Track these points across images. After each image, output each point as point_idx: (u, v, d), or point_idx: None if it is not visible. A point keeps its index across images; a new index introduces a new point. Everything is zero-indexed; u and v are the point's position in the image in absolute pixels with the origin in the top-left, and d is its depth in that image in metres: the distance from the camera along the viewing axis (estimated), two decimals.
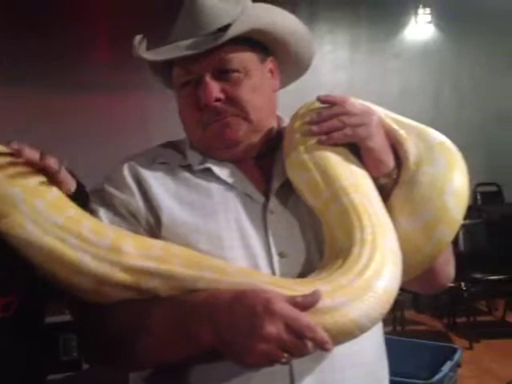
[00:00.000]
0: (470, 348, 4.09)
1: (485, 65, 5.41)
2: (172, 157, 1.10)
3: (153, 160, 1.09)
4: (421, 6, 5.24)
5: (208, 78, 1.02)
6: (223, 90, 1.02)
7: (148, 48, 1.06)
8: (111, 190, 1.04)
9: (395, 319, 4.43)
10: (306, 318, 0.80)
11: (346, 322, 0.84)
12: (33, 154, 0.91)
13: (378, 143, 1.02)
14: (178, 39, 1.03)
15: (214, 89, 1.01)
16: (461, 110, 5.44)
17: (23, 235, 0.89)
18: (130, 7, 4.63)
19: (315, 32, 5.08)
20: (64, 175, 0.94)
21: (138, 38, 1.06)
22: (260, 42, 1.06)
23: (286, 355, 0.80)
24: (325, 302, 0.83)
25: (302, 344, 0.80)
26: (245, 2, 1.06)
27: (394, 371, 2.48)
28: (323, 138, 1.02)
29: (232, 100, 1.03)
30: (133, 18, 4.41)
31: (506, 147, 5.48)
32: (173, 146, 1.14)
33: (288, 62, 1.11)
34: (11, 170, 0.91)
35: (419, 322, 4.74)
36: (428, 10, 5.24)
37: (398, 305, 4.34)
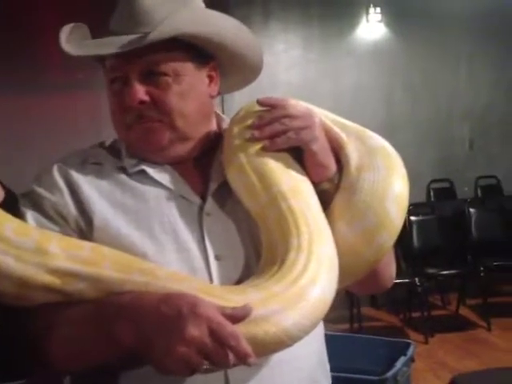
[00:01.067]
0: (426, 342, 4.14)
1: (435, 62, 5.49)
2: (106, 157, 1.06)
3: (85, 160, 1.05)
4: (371, 5, 5.29)
5: (134, 79, 0.98)
6: (149, 93, 0.98)
7: (84, 39, 1.02)
8: (40, 190, 1.00)
9: (352, 316, 4.46)
10: (233, 326, 0.77)
11: (276, 332, 0.82)
12: None
13: (321, 147, 1.00)
14: (110, 34, 0.99)
15: (139, 91, 0.97)
16: (413, 108, 5.51)
17: None
18: (81, 3, 4.53)
19: (269, 31, 5.07)
20: None
21: (66, 27, 1.01)
22: (200, 47, 1.01)
23: (206, 363, 0.77)
24: (256, 311, 0.80)
25: (223, 353, 0.76)
26: (192, 3, 1.03)
27: (350, 367, 2.50)
28: (266, 143, 0.99)
29: (157, 104, 0.99)
30: (85, 15, 4.32)
31: (457, 144, 5.58)
32: (108, 145, 1.10)
33: (233, 66, 1.07)
34: None
35: (376, 318, 4.78)
36: (378, 10, 5.30)
37: (355, 302, 4.37)
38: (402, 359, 2.51)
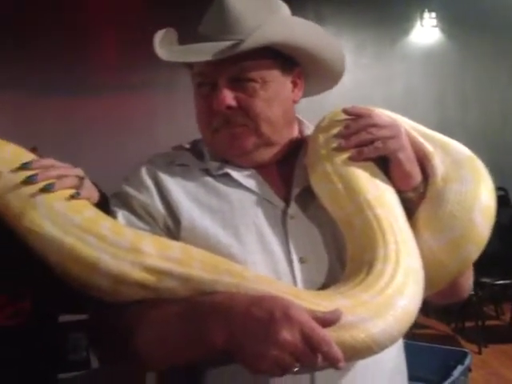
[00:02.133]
0: (479, 352, 4.06)
1: (489, 68, 5.39)
2: (191, 159, 1.09)
3: (171, 162, 1.08)
4: (426, 10, 5.23)
5: (223, 85, 1.01)
6: (237, 99, 1.01)
7: (173, 43, 1.05)
8: (130, 190, 1.04)
9: None
10: (324, 331, 0.79)
11: (364, 339, 0.83)
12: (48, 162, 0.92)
13: (408, 156, 1.01)
14: (200, 40, 1.02)
15: (227, 96, 1.00)
16: (465, 114, 5.42)
17: (42, 235, 0.88)
18: (137, 6, 4.61)
19: None
20: (87, 185, 0.94)
21: (159, 33, 1.05)
22: (286, 54, 1.03)
23: (296, 365, 0.79)
24: (345, 317, 0.82)
25: (314, 357, 0.78)
26: (279, 11, 1.05)
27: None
28: (353, 152, 1.00)
29: (244, 110, 1.01)
30: (139, 17, 4.40)
31: (510, 152, 5.46)
32: (192, 147, 1.13)
33: (317, 71, 1.09)
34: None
35: (427, 326, 4.71)
36: (433, 15, 5.23)
37: None
38: (460, 368, 2.46)
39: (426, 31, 5.32)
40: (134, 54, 3.98)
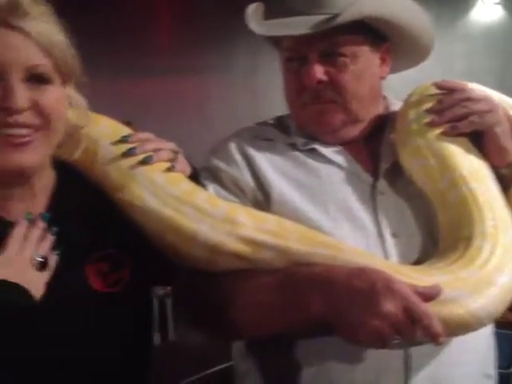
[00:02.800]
0: None
1: None
2: (276, 134, 1.10)
3: (256, 136, 1.09)
4: None
5: (313, 59, 1.01)
6: (327, 73, 1.01)
7: (266, 17, 1.05)
8: (219, 164, 1.05)
9: None
10: (426, 305, 0.79)
11: (463, 314, 0.83)
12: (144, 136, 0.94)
13: (504, 130, 0.99)
14: (290, 14, 1.02)
15: (318, 71, 1.00)
16: None
17: (143, 206, 0.91)
18: None
19: None
20: (181, 159, 0.96)
21: (251, 7, 1.06)
22: (376, 28, 1.03)
23: (396, 338, 0.80)
24: (445, 292, 0.82)
25: (414, 330, 0.78)
26: None
27: None
28: (447, 127, 0.99)
29: (334, 84, 1.01)
30: (192, 2, 4.40)
31: None
32: (275, 123, 1.13)
33: (406, 48, 1.08)
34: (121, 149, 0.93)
35: None
36: None
37: None
38: None
39: (488, 8, 5.16)
40: (188, 37, 3.98)
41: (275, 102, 4.03)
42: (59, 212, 0.90)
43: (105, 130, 0.95)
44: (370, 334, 0.79)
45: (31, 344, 0.81)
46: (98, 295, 0.88)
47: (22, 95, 0.79)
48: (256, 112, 3.81)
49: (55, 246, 0.87)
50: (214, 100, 4.59)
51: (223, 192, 1.02)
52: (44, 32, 0.81)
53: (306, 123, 1.06)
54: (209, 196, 0.96)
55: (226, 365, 1.83)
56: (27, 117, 0.80)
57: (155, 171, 0.93)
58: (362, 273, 0.83)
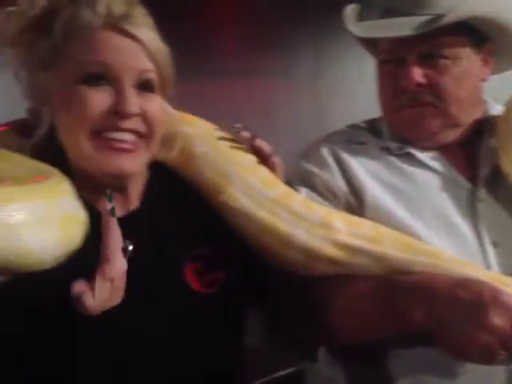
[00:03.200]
0: None
1: None
2: (368, 137, 1.08)
3: (349, 140, 1.07)
4: None
5: (412, 62, 0.98)
6: (426, 76, 0.98)
7: (362, 18, 1.03)
8: (311, 168, 1.04)
9: None
10: None
11: None
12: (245, 135, 0.93)
13: None
14: (389, 15, 0.99)
15: (417, 73, 0.97)
16: None
17: (238, 208, 0.90)
18: None
19: None
20: (276, 160, 0.95)
21: (349, 8, 1.04)
22: (478, 29, 0.99)
23: (503, 353, 0.76)
24: None
25: None
26: None
27: None
28: None
29: (433, 87, 0.98)
30: (257, 5, 4.40)
31: None
32: (368, 126, 1.11)
33: (509, 48, 1.04)
34: (228, 150, 0.93)
35: None
36: None
37: None
38: None
39: None
40: (252, 41, 3.97)
41: (339, 107, 4.02)
42: (152, 209, 0.90)
43: (199, 130, 0.95)
44: (477, 349, 0.76)
45: (126, 341, 0.81)
46: (195, 294, 0.88)
47: (133, 100, 0.80)
48: (319, 116, 3.78)
49: (147, 243, 0.87)
50: (278, 103, 4.54)
51: (316, 196, 1.01)
52: (153, 40, 0.82)
53: (401, 127, 1.03)
54: (304, 200, 0.94)
55: (295, 369, 1.81)
56: (134, 123, 0.81)
57: (250, 173, 0.92)
58: (467, 283, 0.79)
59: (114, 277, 0.74)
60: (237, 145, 0.93)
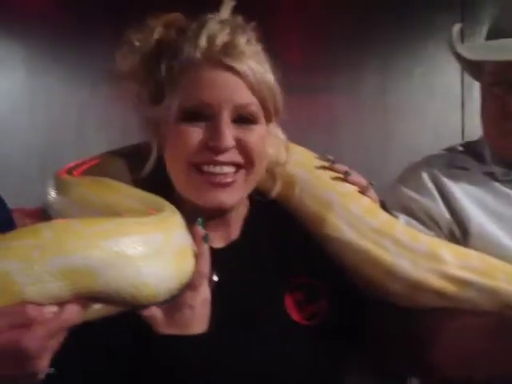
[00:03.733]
0: None
1: None
2: (470, 162, 1.03)
3: (450, 164, 1.03)
4: None
5: None
6: None
7: (467, 39, 1.00)
8: (410, 194, 1.00)
9: None
10: None
11: None
12: (340, 169, 0.91)
13: None
14: (499, 35, 0.95)
15: None
16: None
17: (340, 237, 0.88)
18: (321, 10, 4.60)
19: None
20: (371, 194, 0.92)
21: (456, 27, 1.00)
22: None
23: None
24: None
25: None
26: None
27: None
28: None
29: None
30: (323, 21, 4.38)
31: None
32: (467, 149, 1.07)
33: None
34: (328, 178, 0.91)
35: None
36: None
37: None
38: None
39: None
40: (318, 56, 3.93)
41: (406, 124, 3.93)
42: (253, 239, 0.89)
43: (300, 157, 0.93)
44: None
45: (222, 371, 0.79)
46: (297, 327, 0.85)
47: (229, 134, 0.79)
48: (385, 133, 3.72)
49: (248, 272, 0.86)
50: (343, 120, 4.47)
51: (416, 224, 0.97)
52: (255, 71, 0.81)
53: (508, 152, 0.98)
54: (408, 229, 0.91)
55: None
56: (232, 155, 0.81)
57: (352, 201, 0.90)
58: None
59: (195, 305, 0.74)
60: (336, 174, 0.91)
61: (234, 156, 0.81)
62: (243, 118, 0.81)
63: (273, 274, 0.87)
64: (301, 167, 0.91)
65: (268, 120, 0.85)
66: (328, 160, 0.91)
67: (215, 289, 0.77)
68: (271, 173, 0.89)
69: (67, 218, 0.78)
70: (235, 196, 0.83)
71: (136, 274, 0.65)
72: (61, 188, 0.84)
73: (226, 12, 0.85)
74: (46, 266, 0.62)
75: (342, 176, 0.90)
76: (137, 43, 0.84)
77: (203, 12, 0.83)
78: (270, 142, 0.87)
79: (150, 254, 0.67)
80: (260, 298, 0.85)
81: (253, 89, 0.81)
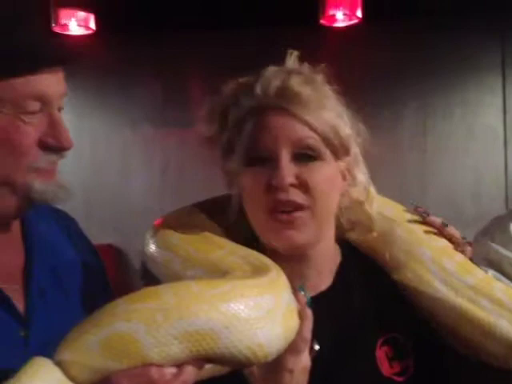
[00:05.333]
0: None
1: None
2: None
3: None
4: None
5: None
6: None
7: None
8: (497, 248, 0.99)
9: None
10: None
11: None
12: (436, 221, 0.90)
13: None
14: None
15: None
16: None
17: (433, 294, 0.87)
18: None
19: None
20: (467, 249, 0.91)
21: None
22: None
23: None
24: None
25: None
26: None
27: None
28: None
29: None
30: (363, 62, 4.33)
31: None
32: None
33: None
34: (420, 232, 0.90)
35: None
36: None
37: None
38: None
39: None
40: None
41: (446, 163, 3.87)
42: (344, 290, 0.89)
43: (390, 211, 0.93)
44: None
45: None
46: (385, 380, 0.85)
47: (287, 172, 0.81)
48: (424, 174, 3.69)
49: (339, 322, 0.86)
50: (383, 159, 4.33)
51: (504, 280, 0.96)
52: (312, 110, 0.83)
53: None
54: (506, 287, 0.90)
55: None
56: (293, 194, 0.82)
57: (446, 257, 0.89)
58: None
59: (295, 370, 0.74)
60: (429, 228, 0.91)
61: (295, 195, 0.82)
62: (305, 155, 0.83)
63: (364, 327, 0.87)
64: (392, 221, 0.91)
65: (336, 157, 0.86)
66: (421, 214, 0.91)
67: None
68: (361, 224, 0.90)
69: (170, 270, 0.83)
70: (304, 234, 0.84)
71: (252, 336, 0.66)
72: (163, 242, 0.86)
73: (290, 62, 0.88)
74: (169, 329, 0.63)
75: (434, 230, 0.90)
76: (213, 106, 0.89)
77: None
78: (347, 179, 0.88)
79: (263, 315, 0.68)
80: (350, 350, 0.85)
81: (310, 125, 0.83)
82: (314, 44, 3.26)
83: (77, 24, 2.81)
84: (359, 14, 2.95)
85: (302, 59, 0.89)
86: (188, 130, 3.38)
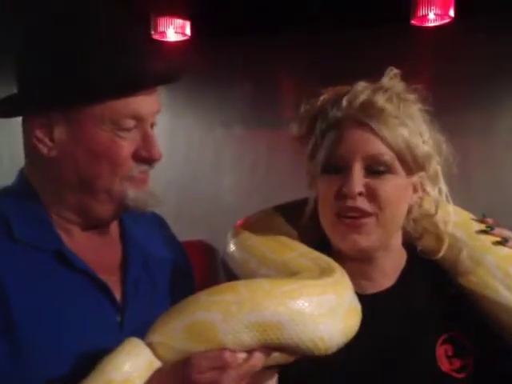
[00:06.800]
0: None
1: None
2: None
3: None
4: None
5: None
6: None
7: None
8: None
9: None
10: None
11: None
12: (502, 234, 0.93)
13: None
14: None
15: None
16: None
17: (498, 300, 0.90)
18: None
19: None
20: None
21: None
22: None
23: None
24: None
25: None
26: None
27: None
28: None
29: None
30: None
31: None
32: None
33: None
34: (486, 240, 0.94)
35: None
36: None
37: None
38: None
39: None
40: (451, 97, 3.77)
41: None
42: (408, 289, 0.95)
43: (457, 219, 0.96)
44: None
45: None
46: (445, 377, 0.90)
47: (357, 182, 0.87)
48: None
49: (401, 320, 0.92)
50: (476, 161, 4.24)
51: None
52: (391, 127, 0.88)
53: None
54: None
55: None
56: (360, 202, 0.88)
57: (509, 264, 0.92)
58: None
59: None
60: (495, 238, 0.94)
61: (362, 203, 0.88)
62: (376, 167, 0.88)
63: (425, 326, 0.92)
64: (458, 228, 0.95)
65: (408, 173, 0.91)
66: (488, 225, 0.94)
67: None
68: (423, 224, 0.94)
69: (246, 269, 0.92)
70: (366, 240, 0.90)
71: (315, 330, 0.74)
72: (241, 243, 0.95)
73: (386, 79, 0.93)
74: (242, 319, 0.73)
75: (499, 240, 0.93)
76: (307, 110, 0.96)
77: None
78: (420, 192, 0.93)
79: (326, 312, 0.76)
80: (409, 346, 0.91)
81: (386, 142, 0.88)
82: (407, 44, 3.25)
83: (174, 31, 2.98)
84: (452, 13, 2.92)
85: (402, 77, 0.94)
86: (278, 131, 3.48)
